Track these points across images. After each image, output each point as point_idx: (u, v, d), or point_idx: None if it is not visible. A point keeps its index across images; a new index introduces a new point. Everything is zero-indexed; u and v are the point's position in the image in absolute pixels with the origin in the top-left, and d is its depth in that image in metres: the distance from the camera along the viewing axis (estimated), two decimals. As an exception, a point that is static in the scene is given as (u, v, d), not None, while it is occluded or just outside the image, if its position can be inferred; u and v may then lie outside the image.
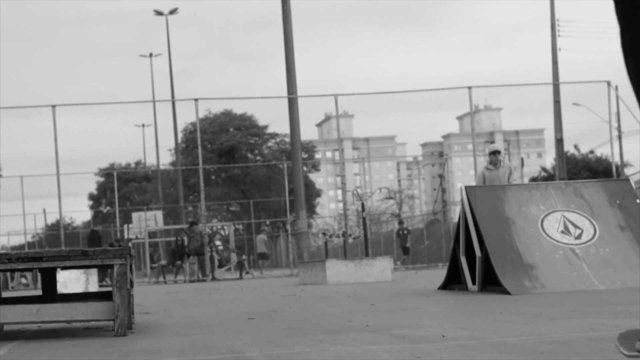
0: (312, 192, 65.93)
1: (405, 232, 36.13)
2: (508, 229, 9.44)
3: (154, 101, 39.32)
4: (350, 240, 21.28)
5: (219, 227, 47.05)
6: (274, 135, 68.51)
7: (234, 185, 65.80)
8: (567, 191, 9.95)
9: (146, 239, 32.47)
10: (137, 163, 69.01)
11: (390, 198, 71.24)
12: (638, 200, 9.85)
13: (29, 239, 51.11)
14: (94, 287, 18.73)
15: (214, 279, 26.99)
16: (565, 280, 9.01)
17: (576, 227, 9.57)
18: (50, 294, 6.85)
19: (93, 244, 27.98)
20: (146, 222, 33.49)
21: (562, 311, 6.42)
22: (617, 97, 33.02)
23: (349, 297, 10.08)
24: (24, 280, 30.05)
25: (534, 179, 59.10)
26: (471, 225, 9.56)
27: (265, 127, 68.08)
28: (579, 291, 8.71)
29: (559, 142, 33.24)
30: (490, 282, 9.25)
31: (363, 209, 22.12)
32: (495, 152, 15.71)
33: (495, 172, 15.74)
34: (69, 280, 18.26)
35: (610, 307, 6.55)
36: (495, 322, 5.76)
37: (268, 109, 60.98)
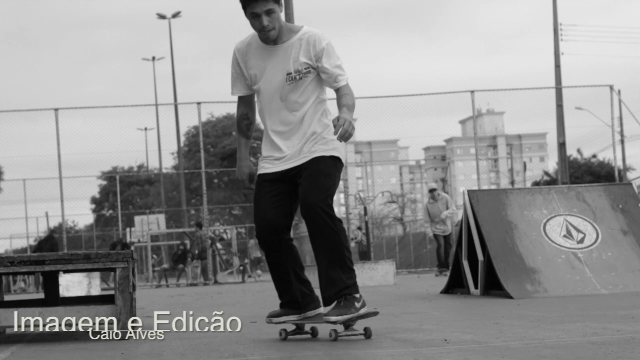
0: (314, 196, 65.78)
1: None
2: (510, 233, 9.43)
3: (156, 104, 39.15)
4: (352, 244, 21.26)
5: (222, 230, 47.04)
6: (276, 139, 68.41)
7: (236, 189, 65.79)
8: (570, 195, 9.94)
9: (148, 242, 32.47)
10: (140, 166, 69.01)
11: (393, 202, 71.12)
12: (640, 205, 9.85)
13: (32, 242, 51.10)
14: (96, 290, 18.73)
15: (216, 282, 27.02)
16: (567, 285, 9.00)
17: (579, 231, 9.57)
18: (52, 297, 6.85)
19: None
20: (148, 225, 33.51)
21: (564, 315, 6.42)
22: (620, 101, 33.03)
23: (351, 300, 10.05)
24: (22, 285, 30.05)
25: (536, 183, 59.00)
26: (473, 229, 9.55)
27: (268, 130, 67.98)
28: (581, 295, 8.70)
29: (562, 146, 33.21)
30: (493, 286, 9.25)
31: (365, 213, 22.13)
32: (432, 190, 19.58)
33: (435, 204, 19.56)
34: (71, 284, 18.26)
35: (613, 312, 6.54)
36: (497, 326, 5.76)
37: (270, 113, 60.87)
